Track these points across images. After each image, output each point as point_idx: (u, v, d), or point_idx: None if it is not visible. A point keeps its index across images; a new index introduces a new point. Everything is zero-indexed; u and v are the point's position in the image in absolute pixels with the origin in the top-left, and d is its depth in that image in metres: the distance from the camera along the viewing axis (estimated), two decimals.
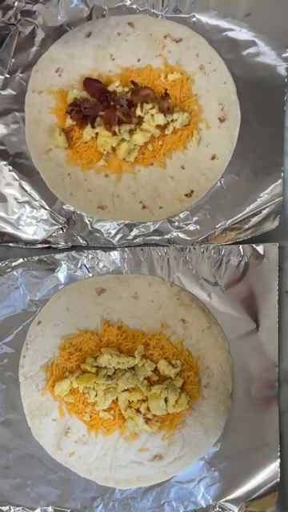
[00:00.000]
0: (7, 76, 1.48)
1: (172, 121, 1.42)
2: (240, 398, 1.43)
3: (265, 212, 1.43)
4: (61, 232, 1.48)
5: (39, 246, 1.47)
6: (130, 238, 1.48)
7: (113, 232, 1.48)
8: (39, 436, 1.43)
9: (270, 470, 1.39)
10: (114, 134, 1.42)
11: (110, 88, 1.44)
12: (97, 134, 1.44)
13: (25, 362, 1.44)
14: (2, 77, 1.48)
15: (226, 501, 1.40)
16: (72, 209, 1.49)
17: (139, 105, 1.40)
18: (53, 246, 1.47)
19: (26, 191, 1.49)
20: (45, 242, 1.48)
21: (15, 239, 1.48)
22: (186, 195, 1.48)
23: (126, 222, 1.49)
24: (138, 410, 1.40)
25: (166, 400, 1.38)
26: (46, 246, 1.47)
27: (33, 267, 1.45)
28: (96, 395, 1.39)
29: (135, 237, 1.48)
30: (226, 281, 1.43)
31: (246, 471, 1.41)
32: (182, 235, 1.47)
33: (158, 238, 1.48)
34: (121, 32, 1.46)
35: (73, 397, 1.41)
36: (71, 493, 1.42)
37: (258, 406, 1.42)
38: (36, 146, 1.48)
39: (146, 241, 1.48)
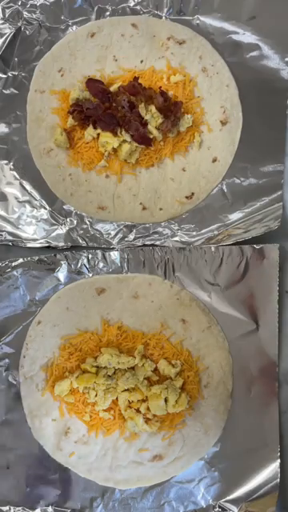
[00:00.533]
0: (10, 75, 1.48)
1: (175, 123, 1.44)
2: (240, 398, 1.44)
3: (265, 214, 1.45)
4: (61, 232, 1.48)
5: (39, 245, 1.47)
6: (129, 239, 1.48)
7: (113, 233, 1.49)
8: (39, 436, 1.42)
9: (270, 471, 1.40)
10: (116, 134, 1.43)
11: (113, 89, 1.44)
12: (98, 134, 1.44)
13: (25, 362, 1.44)
14: (5, 76, 1.48)
15: (226, 501, 1.40)
16: (72, 209, 1.49)
17: (143, 105, 1.41)
18: (52, 245, 1.47)
19: (27, 190, 1.48)
20: (45, 241, 1.47)
21: (15, 238, 1.47)
22: (187, 197, 1.48)
23: (126, 223, 1.49)
24: (137, 410, 1.40)
25: (166, 400, 1.38)
26: (46, 245, 1.47)
27: (33, 267, 1.44)
28: (96, 395, 1.39)
29: (135, 238, 1.49)
30: (226, 281, 1.44)
31: (246, 471, 1.41)
32: (182, 237, 1.48)
33: (158, 239, 1.48)
34: (124, 33, 1.47)
35: (73, 397, 1.41)
36: (71, 493, 1.41)
37: (258, 406, 1.43)
38: (37, 145, 1.48)
39: (146, 242, 1.48)
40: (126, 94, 1.41)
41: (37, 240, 1.47)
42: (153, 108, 1.41)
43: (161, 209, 1.48)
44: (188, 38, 1.46)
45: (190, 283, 1.45)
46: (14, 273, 1.44)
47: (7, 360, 1.44)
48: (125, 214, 1.49)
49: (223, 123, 1.47)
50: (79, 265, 1.45)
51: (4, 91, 1.48)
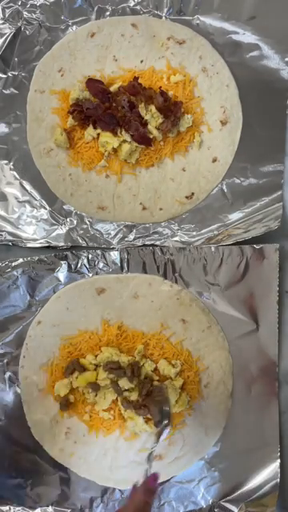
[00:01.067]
0: (10, 75, 1.48)
1: (175, 123, 1.43)
2: (240, 398, 1.44)
3: (265, 214, 1.45)
4: (61, 232, 1.48)
5: (39, 245, 1.47)
6: (129, 239, 1.49)
7: (113, 233, 1.49)
8: (39, 436, 1.42)
9: (270, 471, 1.40)
10: (116, 134, 1.43)
11: (113, 89, 1.44)
12: (98, 134, 1.44)
13: (25, 362, 1.44)
14: (5, 76, 1.48)
15: (226, 501, 1.41)
16: (72, 209, 1.49)
17: (143, 105, 1.41)
18: (52, 245, 1.47)
19: (27, 190, 1.48)
20: (45, 241, 1.47)
21: (15, 238, 1.47)
22: (187, 197, 1.48)
23: (126, 223, 1.49)
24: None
25: None
26: (46, 245, 1.47)
27: (33, 267, 1.44)
28: (96, 395, 1.39)
29: (135, 238, 1.49)
30: (226, 281, 1.44)
31: (246, 471, 1.41)
32: (182, 237, 1.48)
33: (158, 239, 1.48)
34: (124, 33, 1.46)
35: (73, 397, 1.41)
36: (71, 493, 1.42)
37: (258, 406, 1.43)
38: (37, 145, 1.48)
39: (146, 242, 1.48)
40: (126, 94, 1.41)
41: (37, 240, 1.47)
42: (153, 108, 1.41)
43: (161, 209, 1.48)
44: (188, 38, 1.46)
45: (189, 283, 1.45)
46: (14, 273, 1.44)
47: (7, 360, 1.44)
48: (125, 214, 1.49)
49: (223, 123, 1.47)
50: (79, 265, 1.45)
51: (4, 91, 1.48)
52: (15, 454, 1.43)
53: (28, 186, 1.48)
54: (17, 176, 1.49)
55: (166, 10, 1.47)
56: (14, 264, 1.44)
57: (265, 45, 1.46)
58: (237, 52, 1.47)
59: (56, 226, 1.48)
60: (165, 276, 1.45)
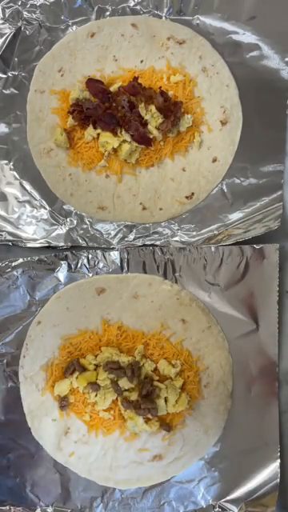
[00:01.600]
0: (10, 75, 1.48)
1: (175, 123, 1.44)
2: (240, 398, 1.44)
3: (265, 214, 1.45)
4: (61, 232, 1.48)
5: (39, 245, 1.47)
6: (129, 239, 1.49)
7: (113, 233, 1.49)
8: (39, 436, 1.42)
9: (270, 471, 1.40)
10: (116, 134, 1.43)
11: (113, 89, 1.44)
12: (98, 134, 1.44)
13: (25, 362, 1.44)
14: (5, 76, 1.48)
15: (226, 501, 1.41)
16: (72, 209, 1.49)
17: (143, 105, 1.41)
18: (52, 245, 1.47)
19: (27, 190, 1.48)
20: (45, 241, 1.47)
21: (15, 238, 1.47)
22: (187, 197, 1.48)
23: (126, 223, 1.49)
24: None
25: (165, 400, 1.38)
26: (46, 245, 1.47)
27: (33, 267, 1.45)
28: (96, 395, 1.39)
29: (135, 238, 1.49)
30: (226, 281, 1.44)
31: (246, 471, 1.41)
32: (182, 237, 1.48)
33: (158, 239, 1.48)
34: (124, 33, 1.46)
35: (73, 397, 1.41)
36: (71, 493, 1.42)
37: (258, 406, 1.43)
38: (37, 145, 1.48)
39: (146, 242, 1.48)
40: (126, 94, 1.41)
41: (37, 240, 1.47)
42: (153, 108, 1.41)
43: (161, 209, 1.49)
44: (188, 38, 1.46)
45: (190, 283, 1.45)
46: (14, 273, 1.44)
47: (7, 360, 1.44)
48: (125, 214, 1.49)
49: (223, 123, 1.47)
50: (79, 265, 1.45)
51: (4, 91, 1.48)
52: (15, 454, 1.43)
53: (28, 186, 1.48)
54: (17, 176, 1.49)
55: (165, 9, 1.47)
56: (14, 264, 1.44)
57: (265, 45, 1.46)
58: (237, 52, 1.47)
59: (56, 226, 1.48)
60: (165, 276, 1.45)
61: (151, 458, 1.42)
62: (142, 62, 1.47)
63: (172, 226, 1.49)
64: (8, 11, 1.47)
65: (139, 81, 1.43)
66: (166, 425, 1.40)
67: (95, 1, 1.47)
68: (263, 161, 1.47)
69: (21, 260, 1.45)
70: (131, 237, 1.49)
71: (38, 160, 1.49)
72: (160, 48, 1.47)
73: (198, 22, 1.47)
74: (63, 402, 1.40)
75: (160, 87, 1.43)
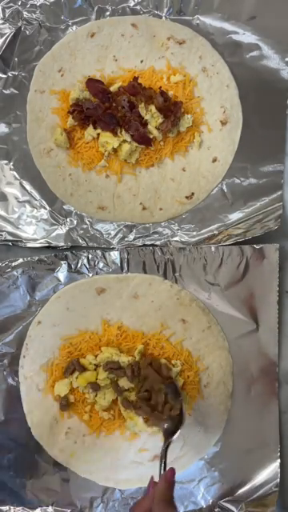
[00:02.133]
0: (10, 75, 1.48)
1: (175, 123, 1.43)
2: (240, 398, 1.44)
3: (265, 214, 1.45)
4: (61, 232, 1.48)
5: (39, 245, 1.47)
6: (129, 239, 1.48)
7: (113, 233, 1.49)
8: (39, 436, 1.42)
9: (270, 471, 1.40)
10: (116, 134, 1.43)
11: (113, 89, 1.44)
12: (98, 134, 1.44)
13: (25, 362, 1.43)
14: (5, 76, 1.48)
15: (226, 501, 1.40)
16: (72, 209, 1.49)
17: (143, 105, 1.41)
18: (53, 245, 1.47)
19: (27, 190, 1.48)
20: (45, 241, 1.47)
21: (15, 238, 1.47)
22: (187, 197, 1.48)
23: (126, 223, 1.49)
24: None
25: None
26: (46, 245, 1.47)
27: (33, 267, 1.44)
28: (96, 395, 1.39)
29: (135, 238, 1.48)
30: (226, 281, 1.44)
31: (246, 471, 1.41)
32: (182, 237, 1.48)
33: (158, 239, 1.48)
34: (124, 33, 1.46)
35: (73, 397, 1.41)
36: (71, 493, 1.41)
37: (258, 406, 1.43)
38: (37, 145, 1.48)
39: (146, 242, 1.48)
40: (126, 94, 1.41)
41: (37, 240, 1.47)
42: (153, 108, 1.41)
43: (161, 209, 1.48)
44: (188, 38, 1.46)
45: (190, 283, 1.45)
46: (14, 273, 1.44)
47: (7, 360, 1.44)
48: (125, 214, 1.49)
49: (223, 123, 1.47)
50: (79, 265, 1.45)
51: (4, 91, 1.48)
52: (15, 454, 1.42)
53: (28, 186, 1.48)
54: (17, 176, 1.48)
55: (165, 10, 1.47)
56: (14, 264, 1.44)
57: (265, 45, 1.46)
58: (237, 52, 1.47)
59: (56, 226, 1.48)
60: (165, 276, 1.45)
61: (151, 457, 1.41)
62: (142, 62, 1.47)
63: (172, 226, 1.49)
64: (8, 11, 1.47)
65: (139, 81, 1.43)
66: None
67: (95, 1, 1.47)
68: (263, 161, 1.46)
69: (21, 260, 1.44)
70: (131, 237, 1.49)
71: (38, 160, 1.48)
72: (160, 48, 1.47)
73: (198, 21, 1.47)
74: (63, 402, 1.40)
75: (160, 87, 1.43)
